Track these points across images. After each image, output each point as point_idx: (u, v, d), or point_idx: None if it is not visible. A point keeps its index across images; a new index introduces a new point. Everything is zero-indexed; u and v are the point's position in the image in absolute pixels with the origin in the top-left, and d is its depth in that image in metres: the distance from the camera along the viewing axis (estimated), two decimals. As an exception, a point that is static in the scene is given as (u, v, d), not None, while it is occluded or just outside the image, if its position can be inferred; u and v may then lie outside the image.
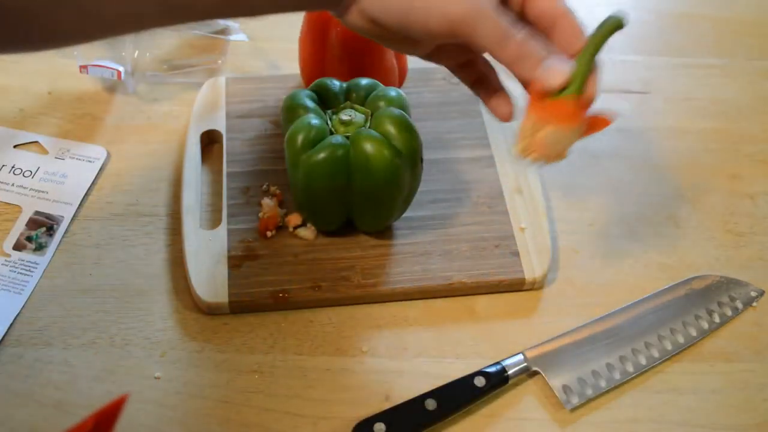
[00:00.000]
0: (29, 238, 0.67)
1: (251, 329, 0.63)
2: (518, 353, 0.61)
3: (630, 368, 0.61)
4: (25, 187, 0.71)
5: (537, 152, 0.54)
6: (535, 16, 0.54)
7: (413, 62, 0.76)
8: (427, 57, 0.59)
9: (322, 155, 0.62)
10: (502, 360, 0.61)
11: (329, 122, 0.64)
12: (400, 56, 0.75)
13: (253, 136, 0.74)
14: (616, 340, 0.63)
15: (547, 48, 0.53)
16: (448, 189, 0.71)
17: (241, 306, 0.64)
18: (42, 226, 0.68)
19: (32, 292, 0.65)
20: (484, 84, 0.60)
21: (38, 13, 0.47)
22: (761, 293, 0.67)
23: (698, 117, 0.80)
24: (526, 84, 0.55)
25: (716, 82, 0.84)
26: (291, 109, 0.65)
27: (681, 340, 0.63)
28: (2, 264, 0.66)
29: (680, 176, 0.75)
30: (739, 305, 0.66)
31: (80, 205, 0.70)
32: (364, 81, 0.67)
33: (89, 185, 0.71)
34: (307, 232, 0.68)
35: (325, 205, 0.64)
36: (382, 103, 0.65)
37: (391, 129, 0.63)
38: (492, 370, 0.60)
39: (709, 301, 0.66)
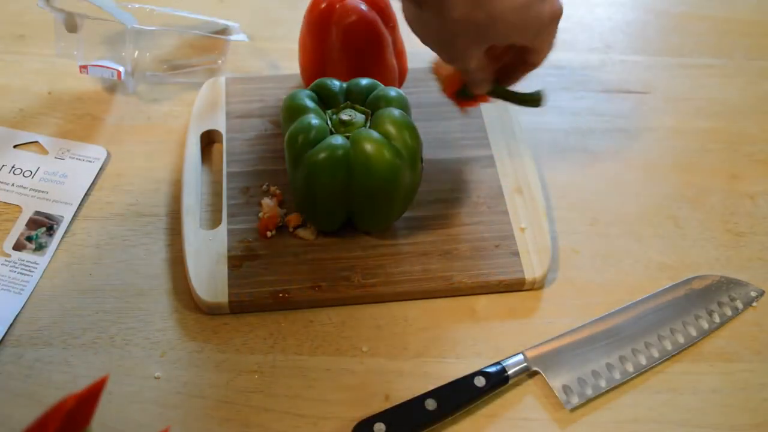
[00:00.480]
0: (29, 238, 0.67)
1: (251, 329, 0.63)
2: (518, 353, 0.61)
3: (630, 368, 0.62)
4: (25, 187, 0.71)
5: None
6: None
7: (413, 62, 0.76)
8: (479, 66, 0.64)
9: (322, 155, 0.62)
10: (502, 360, 0.61)
11: (329, 122, 0.64)
12: (400, 56, 0.75)
13: (253, 136, 0.74)
14: (616, 340, 0.63)
15: None
16: (448, 189, 0.71)
17: (241, 306, 0.64)
18: (42, 226, 0.68)
19: (32, 292, 0.65)
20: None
21: None
22: (761, 293, 0.67)
23: (698, 117, 0.80)
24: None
25: (715, 82, 0.84)
26: (291, 109, 0.65)
27: (681, 340, 0.63)
28: (2, 264, 0.66)
29: (680, 176, 0.75)
30: (739, 305, 0.66)
31: (80, 205, 0.70)
32: (364, 81, 0.67)
33: (89, 185, 0.71)
34: (307, 232, 0.68)
35: (325, 205, 0.64)
36: (382, 103, 0.65)
37: (391, 129, 0.63)
38: (492, 370, 0.60)
39: (709, 301, 0.66)
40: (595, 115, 0.80)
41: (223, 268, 0.65)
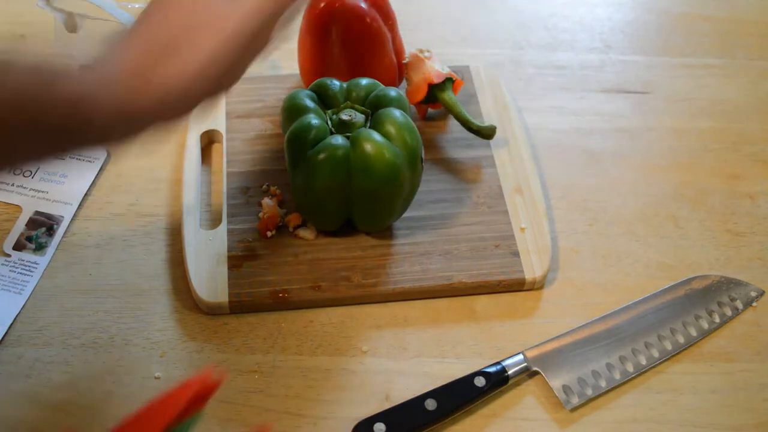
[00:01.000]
0: (29, 238, 0.67)
1: (251, 329, 0.63)
2: (518, 353, 0.61)
3: (630, 368, 0.62)
4: (25, 187, 0.71)
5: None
6: None
7: (413, 62, 0.76)
8: None
9: (322, 155, 0.62)
10: (502, 360, 0.61)
11: (329, 122, 0.64)
12: (399, 54, 0.75)
13: (253, 136, 0.74)
14: (616, 340, 0.63)
15: None
16: (448, 189, 0.71)
17: (241, 306, 0.64)
18: (42, 226, 0.68)
19: (32, 292, 0.65)
20: None
21: None
22: (761, 293, 0.67)
23: (698, 117, 0.80)
24: None
25: (716, 82, 0.84)
26: (291, 109, 0.65)
27: (681, 340, 0.63)
28: (2, 264, 0.66)
29: (680, 176, 0.75)
30: (739, 305, 0.66)
31: (80, 205, 0.70)
32: (364, 81, 0.67)
33: (89, 185, 0.71)
34: (307, 232, 0.68)
35: (325, 205, 0.64)
36: (382, 103, 0.65)
37: (391, 129, 0.63)
38: (492, 370, 0.60)
39: (709, 301, 0.66)
40: (595, 115, 0.80)
41: (223, 268, 0.65)
